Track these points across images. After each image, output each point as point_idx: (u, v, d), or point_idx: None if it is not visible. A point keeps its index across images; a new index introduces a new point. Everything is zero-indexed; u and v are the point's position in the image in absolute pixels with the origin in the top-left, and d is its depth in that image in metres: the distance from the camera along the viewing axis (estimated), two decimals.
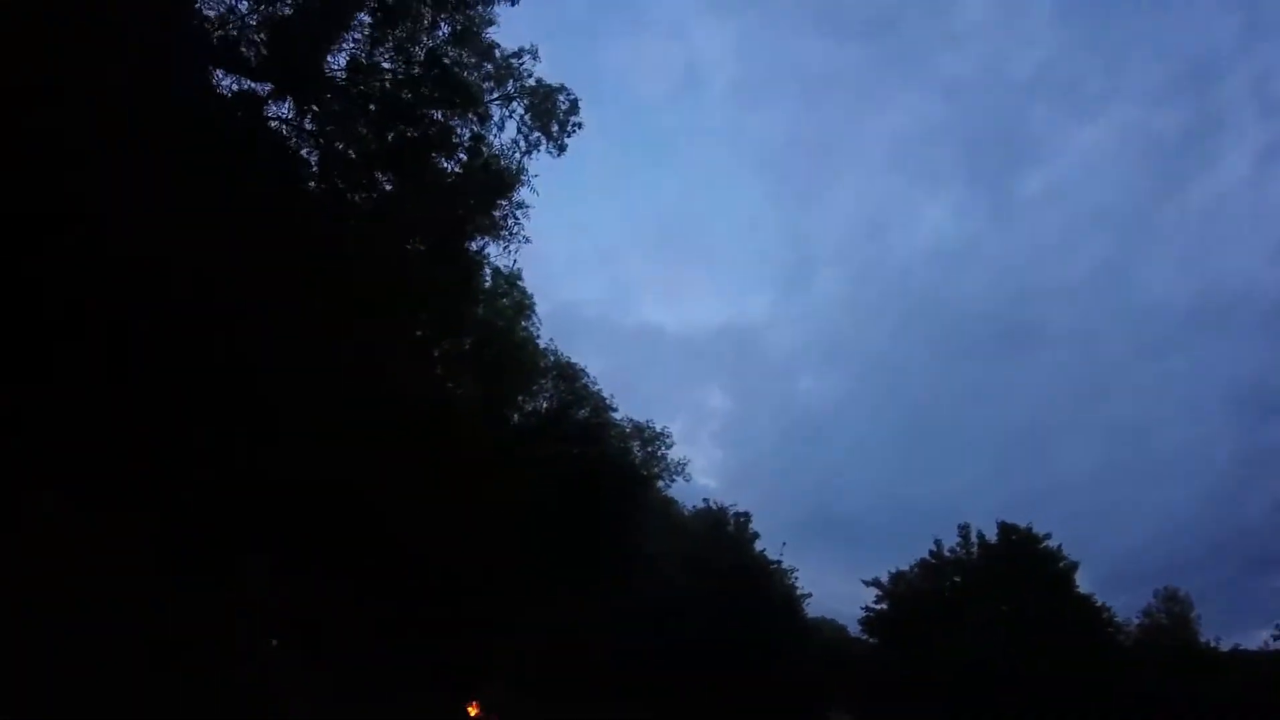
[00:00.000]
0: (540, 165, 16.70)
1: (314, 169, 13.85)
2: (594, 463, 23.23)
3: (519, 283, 21.92)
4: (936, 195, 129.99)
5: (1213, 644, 25.69)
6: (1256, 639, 23.20)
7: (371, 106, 13.57)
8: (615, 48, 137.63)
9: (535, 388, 23.87)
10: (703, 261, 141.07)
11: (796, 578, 33.43)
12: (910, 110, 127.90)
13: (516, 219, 17.22)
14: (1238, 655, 24.06)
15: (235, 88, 12.85)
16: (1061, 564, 27.85)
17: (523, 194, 16.91)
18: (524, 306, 22.28)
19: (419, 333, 17.30)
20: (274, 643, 13.76)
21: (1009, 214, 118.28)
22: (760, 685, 26.99)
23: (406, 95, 13.95)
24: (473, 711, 17.73)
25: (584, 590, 19.98)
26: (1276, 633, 19.45)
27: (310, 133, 13.42)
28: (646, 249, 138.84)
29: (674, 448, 28.40)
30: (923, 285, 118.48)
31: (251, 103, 12.76)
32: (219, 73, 12.65)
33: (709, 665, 24.62)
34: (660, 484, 28.40)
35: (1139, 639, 28.21)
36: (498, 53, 15.56)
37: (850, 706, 31.83)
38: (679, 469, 28.20)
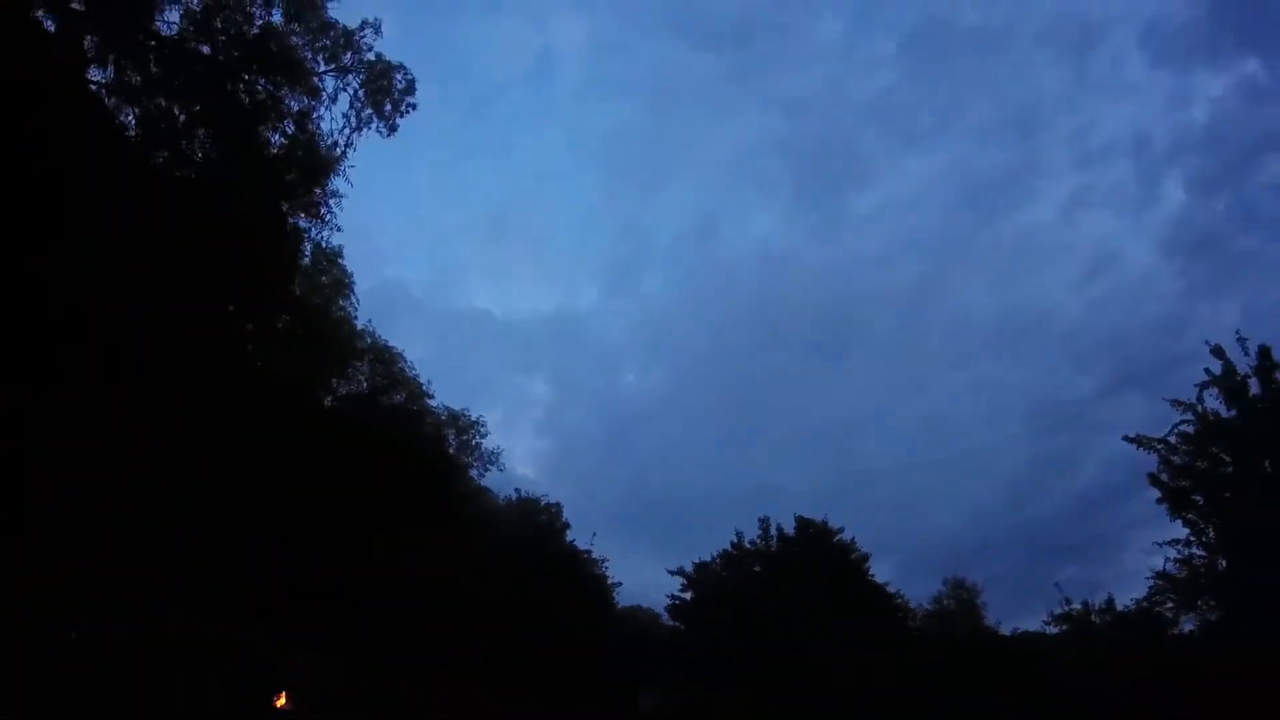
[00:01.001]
0: (373, 144, 16.71)
1: (132, 131, 12.91)
2: (404, 449, 23.01)
3: (339, 260, 21.29)
4: (768, 205, 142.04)
5: (995, 627, 29.66)
6: (1038, 623, 25.87)
7: (198, 69, 12.86)
8: (470, 27, 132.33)
9: (350, 370, 23.15)
10: (535, 250, 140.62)
11: (607, 566, 35.26)
12: (752, 123, 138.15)
13: (329, 208, 16.86)
14: (1016, 637, 27.94)
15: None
16: (854, 555, 31.12)
17: (339, 183, 16.61)
18: (342, 285, 21.66)
19: (231, 306, 16.53)
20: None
21: (836, 228, 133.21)
22: (566, 667, 28.13)
23: (235, 57, 13.33)
24: (280, 703, 17.00)
25: (394, 562, 20.02)
26: (1048, 618, 23.39)
27: (130, 89, 12.39)
28: (480, 233, 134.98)
29: (489, 437, 28.83)
30: (749, 288, 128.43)
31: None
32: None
33: (513, 644, 25.40)
34: (474, 473, 28.64)
35: (924, 624, 31.18)
36: (338, 25, 15.37)
37: (657, 687, 33.71)
38: (493, 458, 28.72)
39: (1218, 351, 19.48)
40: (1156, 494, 20.20)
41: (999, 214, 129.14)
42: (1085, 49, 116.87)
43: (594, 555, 34.44)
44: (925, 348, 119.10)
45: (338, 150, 16.23)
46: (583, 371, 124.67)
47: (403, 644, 20.38)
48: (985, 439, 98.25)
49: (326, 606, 17.64)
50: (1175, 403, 20.09)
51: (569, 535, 33.73)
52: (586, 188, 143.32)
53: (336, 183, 16.51)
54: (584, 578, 33.18)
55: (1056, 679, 21.33)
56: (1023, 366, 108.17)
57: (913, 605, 32.99)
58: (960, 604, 35.36)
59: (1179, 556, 19.72)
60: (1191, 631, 19.79)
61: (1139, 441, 20.63)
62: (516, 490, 33.77)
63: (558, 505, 34.30)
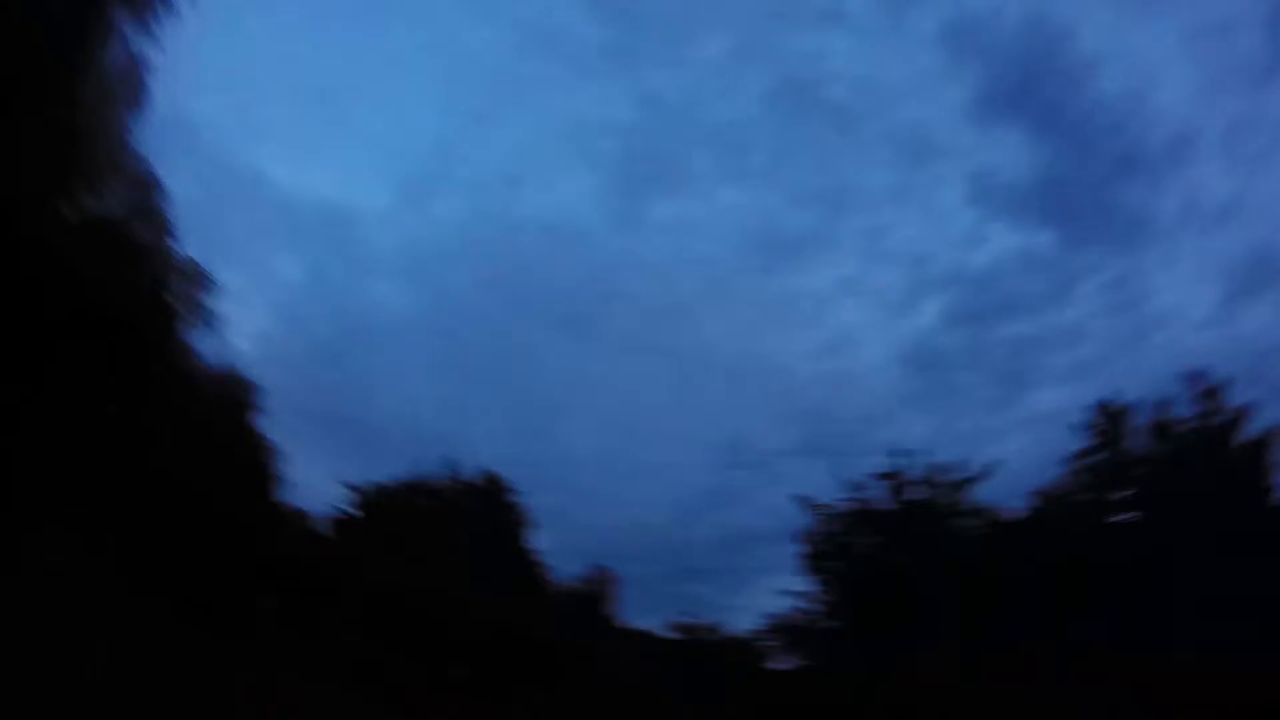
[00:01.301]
0: None
1: None
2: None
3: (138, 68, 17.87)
4: (580, 179, 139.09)
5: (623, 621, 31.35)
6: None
7: None
8: None
9: (104, 189, 19.62)
10: (348, 135, 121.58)
11: (280, 459, 33.57)
12: (607, 98, 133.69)
13: None
14: (639, 634, 30.13)
15: None
16: (518, 518, 33.42)
17: None
18: (131, 96, 18.11)
19: None
20: None
21: (630, 225, 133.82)
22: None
23: None
24: None
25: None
26: (669, 625, 25.70)
27: None
28: (302, 98, 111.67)
29: (218, 298, 26.12)
30: (527, 249, 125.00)
31: None
32: None
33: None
34: (185, 327, 26.06)
35: (568, 600, 33.09)
36: None
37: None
38: (213, 320, 25.99)
39: (895, 454, 22.78)
40: (801, 548, 23.29)
41: (779, 269, 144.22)
42: (918, 163, 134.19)
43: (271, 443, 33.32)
44: (659, 360, 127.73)
45: None
46: (340, 270, 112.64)
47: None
48: (671, 457, 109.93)
49: None
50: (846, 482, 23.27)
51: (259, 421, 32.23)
52: (424, 100, 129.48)
53: None
54: (256, 462, 32.01)
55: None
56: (734, 406, 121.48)
57: (559, 580, 35.31)
58: (599, 588, 37.48)
59: (796, 608, 23.13)
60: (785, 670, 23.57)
61: (807, 503, 23.48)
62: (231, 362, 30.97)
63: (259, 389, 32.26)
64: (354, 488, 33.26)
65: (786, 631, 23.28)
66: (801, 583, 23.80)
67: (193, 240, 26.80)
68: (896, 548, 22.25)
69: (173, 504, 25.49)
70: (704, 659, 21.19)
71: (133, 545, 22.71)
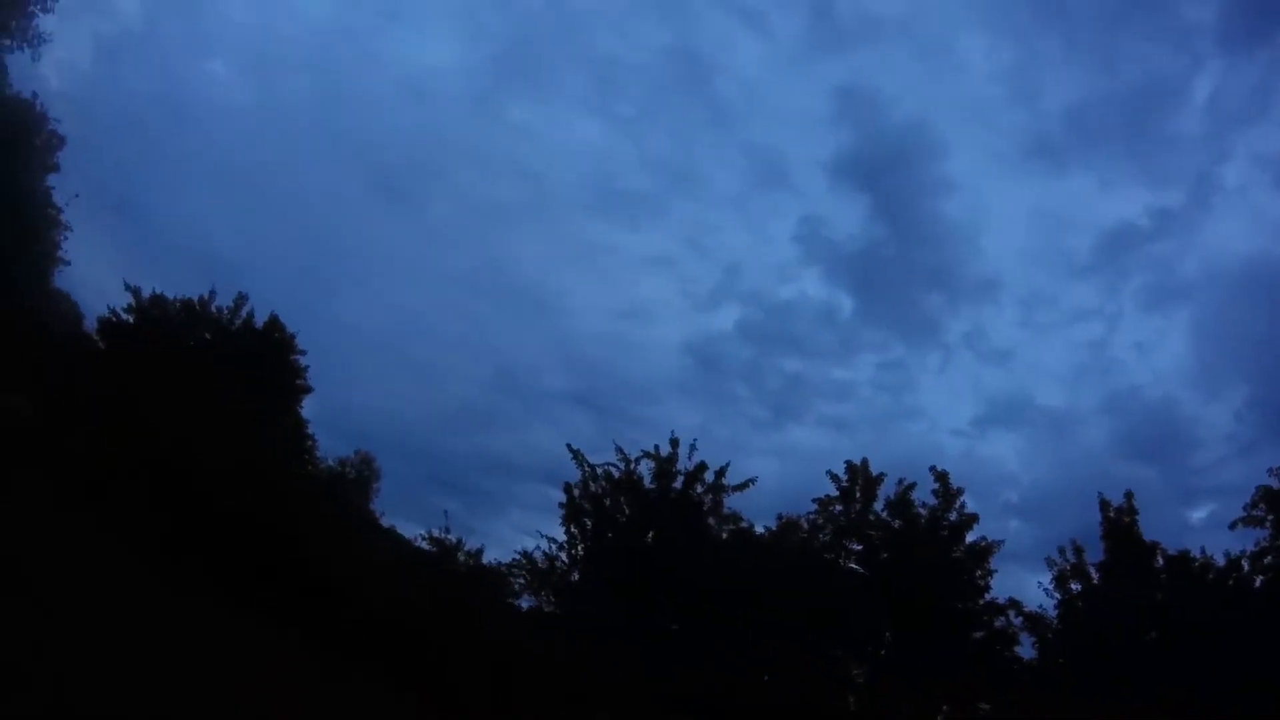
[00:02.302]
0: None
1: None
2: None
3: None
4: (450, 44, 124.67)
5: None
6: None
7: None
8: None
9: None
10: None
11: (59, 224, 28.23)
12: None
13: None
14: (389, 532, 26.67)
15: None
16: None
17: None
18: None
19: None
20: None
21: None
22: None
23: None
24: None
25: None
26: (424, 535, 23.23)
27: None
28: None
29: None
30: (380, 98, 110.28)
31: None
32: None
33: None
34: None
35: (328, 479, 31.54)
36: None
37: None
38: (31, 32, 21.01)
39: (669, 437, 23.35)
40: (560, 497, 23.01)
41: (604, 217, 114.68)
42: (766, 182, 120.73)
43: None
44: (462, 258, 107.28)
45: None
46: (181, 29, 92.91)
47: None
48: (446, 361, 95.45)
49: None
50: (618, 451, 23.35)
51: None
52: None
53: None
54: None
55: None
56: (519, 332, 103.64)
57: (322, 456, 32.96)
58: (359, 474, 37.34)
59: (546, 551, 22.82)
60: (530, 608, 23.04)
61: (575, 456, 23.06)
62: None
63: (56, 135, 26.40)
64: (133, 289, 28.48)
65: (533, 572, 23.50)
66: (554, 527, 23.47)
67: None
68: (654, 525, 23.05)
69: None
70: (450, 576, 20.46)
71: None
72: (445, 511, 22.41)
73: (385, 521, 27.86)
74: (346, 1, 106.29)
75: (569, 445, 23.68)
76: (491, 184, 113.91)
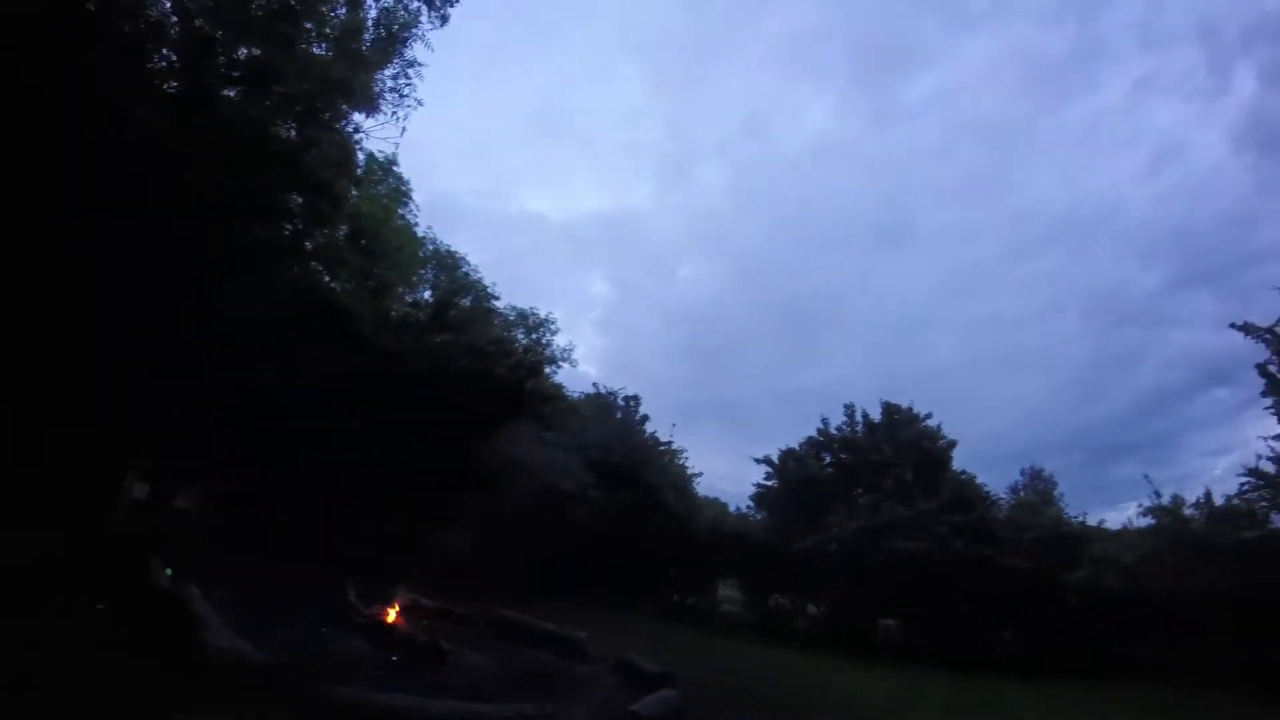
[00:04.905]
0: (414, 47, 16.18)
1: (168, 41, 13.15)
2: (481, 350, 21.46)
3: (395, 168, 21.31)
4: (819, 95, 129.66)
5: (1080, 519, 24.16)
6: (1110, 520, 23.30)
7: None
8: None
9: (415, 278, 22.97)
10: (584, 150, 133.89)
11: (687, 458, 32.69)
12: (795, 8, 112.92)
13: (409, 78, 15.62)
14: (1097, 531, 23.99)
15: None
16: (940, 442, 27.80)
17: (415, 50, 15.47)
18: (401, 193, 21.54)
19: (289, 226, 16.31)
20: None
21: (890, 116, 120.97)
22: (655, 563, 27.77)
23: None
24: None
25: (484, 488, 19.25)
26: (1140, 510, 20.52)
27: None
28: (526, 137, 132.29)
29: (559, 334, 27.45)
30: (802, 182, 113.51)
31: None
32: None
33: (607, 548, 24.72)
34: (548, 370, 26.07)
35: (1012, 513, 26.32)
36: None
37: (736, 577, 30.44)
38: (565, 355, 27.18)
39: None
40: (1223, 392, 18.20)
41: (1061, 100, 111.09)
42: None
43: (674, 447, 30.88)
44: (985, 241, 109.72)
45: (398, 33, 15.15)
46: (639, 269, 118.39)
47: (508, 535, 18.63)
48: (1045, 336, 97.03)
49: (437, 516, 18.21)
50: None
51: (648, 428, 30.13)
52: (630, 85, 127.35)
53: (414, 49, 15.48)
54: (669, 470, 30.00)
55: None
56: (1084, 261, 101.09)
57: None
58: (1038, 494, 33.21)
59: (1274, 454, 17.84)
60: None
61: (1247, 330, 18.48)
62: (594, 385, 31.05)
63: (635, 397, 30.64)
64: (766, 460, 29.65)
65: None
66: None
67: (508, 293, 31.47)
68: None
69: None
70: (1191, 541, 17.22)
71: None
72: (1146, 477, 20.45)
73: None
74: None
75: None
76: None
